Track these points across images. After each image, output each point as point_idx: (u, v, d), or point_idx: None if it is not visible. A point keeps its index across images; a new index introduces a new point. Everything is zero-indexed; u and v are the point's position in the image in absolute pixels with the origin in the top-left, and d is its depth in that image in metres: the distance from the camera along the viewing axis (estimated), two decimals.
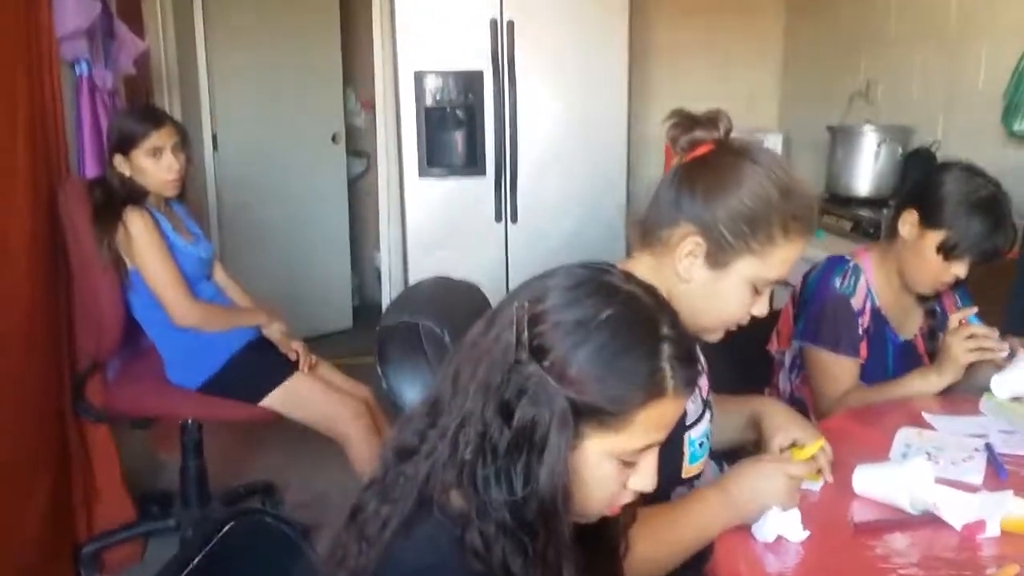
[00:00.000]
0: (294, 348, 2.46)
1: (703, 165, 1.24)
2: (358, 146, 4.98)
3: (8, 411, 2.13)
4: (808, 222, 1.25)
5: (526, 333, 0.86)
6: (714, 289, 1.24)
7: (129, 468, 2.64)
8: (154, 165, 2.33)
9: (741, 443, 1.53)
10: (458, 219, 3.55)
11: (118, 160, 2.33)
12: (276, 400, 2.37)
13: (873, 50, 3.42)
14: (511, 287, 3.28)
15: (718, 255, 1.22)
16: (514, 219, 3.54)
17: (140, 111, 2.55)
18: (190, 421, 2.50)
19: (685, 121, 1.27)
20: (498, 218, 3.54)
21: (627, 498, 0.93)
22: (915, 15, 3.19)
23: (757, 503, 1.19)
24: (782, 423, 1.41)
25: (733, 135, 1.29)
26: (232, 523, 1.32)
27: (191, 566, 1.23)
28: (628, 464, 0.89)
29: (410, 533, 0.87)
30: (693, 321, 1.23)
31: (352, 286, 4.98)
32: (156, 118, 2.38)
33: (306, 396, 2.40)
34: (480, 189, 3.53)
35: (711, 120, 1.25)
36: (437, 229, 3.55)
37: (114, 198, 2.31)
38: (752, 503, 1.19)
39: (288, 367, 2.41)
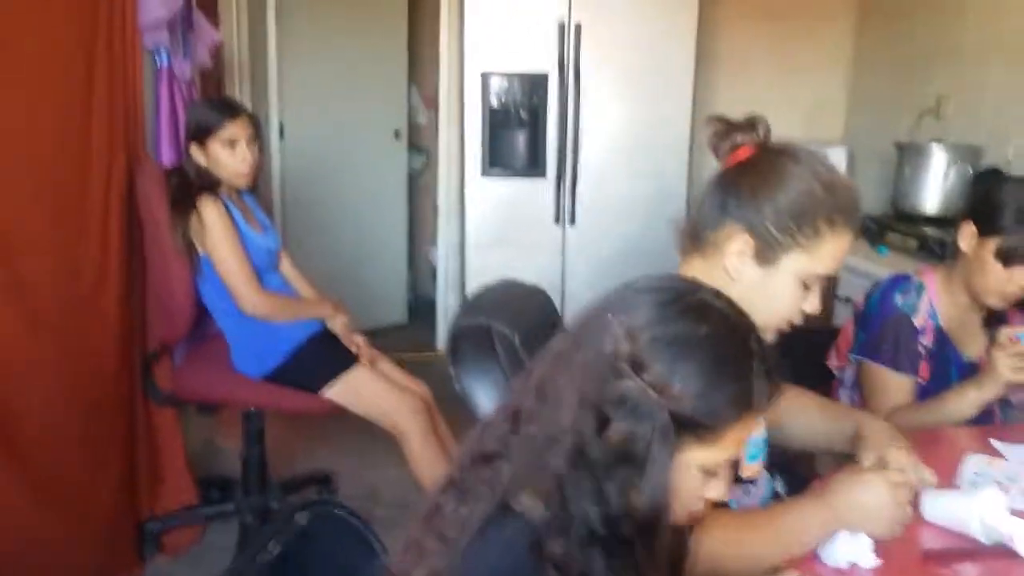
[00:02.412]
0: (356, 342, 2.50)
1: (746, 167, 1.28)
2: (418, 142, 5.03)
3: (83, 389, 2.20)
4: (853, 215, 1.28)
5: (625, 347, 0.87)
6: (765, 287, 1.27)
7: (190, 452, 2.71)
8: (229, 156, 2.38)
9: (831, 450, 1.53)
10: (517, 220, 3.57)
11: (194, 149, 2.39)
12: (337, 392, 2.41)
13: (946, 65, 3.37)
14: (567, 288, 3.31)
15: (766, 252, 1.25)
16: (572, 221, 3.56)
17: (217, 102, 2.61)
18: (253, 409, 2.56)
19: (724, 127, 1.32)
20: (557, 220, 3.56)
21: (702, 506, 0.94)
22: (991, 30, 3.14)
23: (858, 513, 1.17)
24: (877, 442, 1.39)
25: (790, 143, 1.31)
26: (306, 512, 1.36)
27: (267, 553, 1.27)
28: (710, 475, 0.91)
29: (487, 536, 0.89)
30: None
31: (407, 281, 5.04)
32: (232, 110, 2.43)
33: (366, 390, 2.43)
34: (540, 191, 3.55)
35: (750, 124, 1.30)
36: (495, 229, 3.58)
37: (189, 186, 2.36)
38: (853, 512, 1.17)
39: (350, 360, 2.45)
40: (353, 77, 4.44)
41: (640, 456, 0.85)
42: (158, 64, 2.67)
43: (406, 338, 4.47)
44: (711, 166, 4.18)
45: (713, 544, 1.08)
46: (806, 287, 1.28)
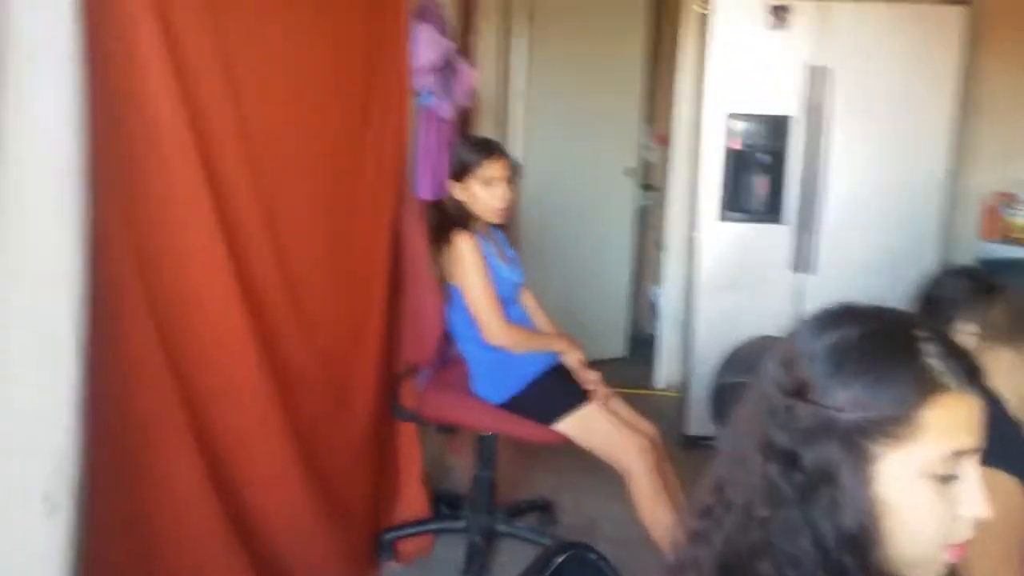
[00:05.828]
0: (591, 379, 2.54)
1: None
2: (646, 180, 5.06)
3: (350, 408, 2.38)
4: None
5: (785, 377, 0.86)
6: None
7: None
8: (487, 193, 2.51)
9: None
10: (751, 265, 3.50)
11: (455, 186, 2.54)
12: (568, 426, 2.46)
13: None
14: None
15: None
16: (812, 270, 3.44)
17: (479, 143, 2.73)
18: (488, 433, 2.66)
19: None
20: (795, 268, 3.46)
21: (965, 530, 0.85)
22: None
23: None
24: None
25: None
26: (567, 555, 1.41)
27: None
28: (946, 481, 0.83)
29: None
30: None
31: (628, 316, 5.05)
32: (492, 150, 2.56)
33: (596, 426, 2.46)
34: (778, 236, 3.47)
35: None
36: (728, 272, 3.52)
37: (447, 221, 2.52)
38: None
39: (582, 396, 2.49)
40: (590, 116, 4.54)
41: (835, 478, 0.82)
42: (423, 104, 2.86)
43: (624, 373, 4.46)
44: (967, 221, 3.92)
45: None
46: None
